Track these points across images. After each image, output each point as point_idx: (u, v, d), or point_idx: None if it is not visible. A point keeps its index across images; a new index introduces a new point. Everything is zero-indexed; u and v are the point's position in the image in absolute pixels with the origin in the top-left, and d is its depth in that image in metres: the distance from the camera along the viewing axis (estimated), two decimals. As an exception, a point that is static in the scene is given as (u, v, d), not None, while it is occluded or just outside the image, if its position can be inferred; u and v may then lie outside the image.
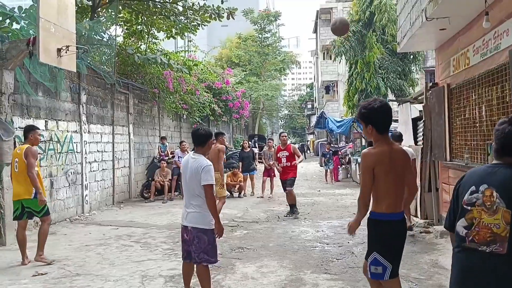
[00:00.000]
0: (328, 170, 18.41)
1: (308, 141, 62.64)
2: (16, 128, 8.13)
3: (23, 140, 6.59)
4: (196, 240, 4.40)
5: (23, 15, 8.31)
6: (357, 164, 16.65)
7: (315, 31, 46.10)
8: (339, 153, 21.06)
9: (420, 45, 9.29)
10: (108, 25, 12.59)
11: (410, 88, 22.71)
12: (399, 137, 8.37)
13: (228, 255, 6.68)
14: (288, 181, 10.12)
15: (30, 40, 7.21)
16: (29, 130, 6.44)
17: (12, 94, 7.93)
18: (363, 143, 19.34)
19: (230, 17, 13.62)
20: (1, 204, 7.49)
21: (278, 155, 10.26)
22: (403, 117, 10.41)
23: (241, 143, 27.98)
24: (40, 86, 9.10)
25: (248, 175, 14.15)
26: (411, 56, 22.26)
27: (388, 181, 3.52)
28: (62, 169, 9.86)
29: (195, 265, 4.56)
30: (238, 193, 13.77)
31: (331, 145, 22.46)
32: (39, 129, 6.72)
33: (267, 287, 5.18)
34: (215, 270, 5.82)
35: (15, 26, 8.30)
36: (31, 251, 6.40)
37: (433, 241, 7.40)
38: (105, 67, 11.93)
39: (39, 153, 9.00)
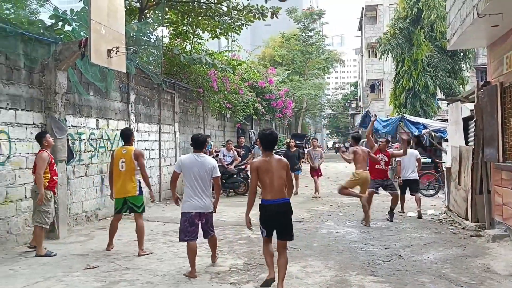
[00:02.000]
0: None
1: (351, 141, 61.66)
2: (68, 126, 8.47)
3: (123, 143, 7.04)
4: (210, 221, 5.85)
5: (75, 17, 8.63)
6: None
7: (360, 28, 45.36)
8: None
9: (471, 42, 8.98)
10: (155, 26, 12.92)
11: (460, 86, 21.99)
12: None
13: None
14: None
15: (82, 42, 7.50)
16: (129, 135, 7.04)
17: (65, 93, 8.27)
18: (411, 143, 18.88)
19: (274, 16, 13.62)
20: (55, 199, 7.82)
21: (378, 156, 9.56)
22: (453, 116, 10.08)
23: (285, 142, 27.97)
24: (91, 86, 9.44)
25: (293, 175, 14.09)
26: (461, 54, 21.54)
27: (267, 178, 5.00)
28: (112, 166, 10.18)
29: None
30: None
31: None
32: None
33: (312, 287, 5.16)
34: (259, 268, 5.86)
35: (67, 28, 8.64)
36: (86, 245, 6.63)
37: (485, 245, 7.13)
38: (152, 67, 12.24)
39: (90, 151, 9.38)
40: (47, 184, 6.65)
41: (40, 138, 6.89)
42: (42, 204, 6.56)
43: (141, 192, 6.87)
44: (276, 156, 5.15)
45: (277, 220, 5.01)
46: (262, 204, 5.03)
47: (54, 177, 6.83)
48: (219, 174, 5.86)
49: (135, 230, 6.83)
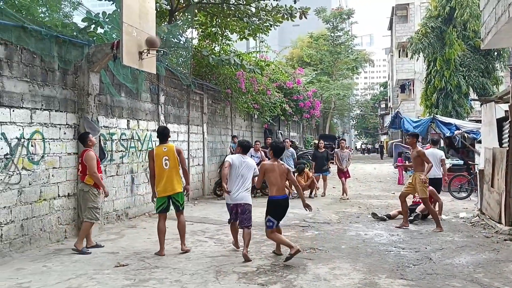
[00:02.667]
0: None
1: (381, 141, 60.96)
2: (101, 126, 8.66)
3: (160, 142, 6.98)
4: (247, 212, 6.65)
5: (107, 20, 8.80)
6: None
7: (390, 28, 44.71)
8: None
9: (506, 41, 8.72)
10: (185, 28, 13.07)
11: (494, 86, 21.44)
12: (435, 142, 10.56)
13: (299, 255, 6.63)
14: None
15: (114, 44, 7.65)
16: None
17: (98, 95, 8.46)
18: (442, 144, 18.50)
19: (303, 16, 13.58)
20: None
21: None
22: (487, 117, 9.82)
23: (312, 143, 27.83)
24: (123, 87, 9.63)
25: (321, 176, 14.01)
26: (495, 53, 21.00)
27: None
28: (142, 166, 10.36)
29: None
30: (309, 193, 13.69)
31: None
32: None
33: (340, 289, 5.12)
34: (286, 269, 5.85)
35: (99, 30, 8.81)
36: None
37: (520, 250, 6.92)
38: (181, 68, 12.39)
39: (121, 151, 9.57)
40: (93, 181, 6.88)
41: (84, 138, 7.17)
42: (92, 201, 6.89)
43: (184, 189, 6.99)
44: (281, 162, 6.53)
45: (283, 211, 6.41)
46: (271, 199, 6.34)
47: (100, 175, 7.06)
48: (257, 173, 6.74)
49: (177, 227, 6.91)
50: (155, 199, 6.88)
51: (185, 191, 7.01)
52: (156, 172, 6.76)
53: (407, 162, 16.47)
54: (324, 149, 14.46)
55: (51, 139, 7.51)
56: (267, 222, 6.34)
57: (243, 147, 6.97)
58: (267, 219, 6.35)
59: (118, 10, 8.34)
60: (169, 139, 7.08)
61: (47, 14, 8.36)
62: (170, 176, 6.73)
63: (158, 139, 7.11)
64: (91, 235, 7.21)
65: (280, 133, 24.46)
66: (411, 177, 9.07)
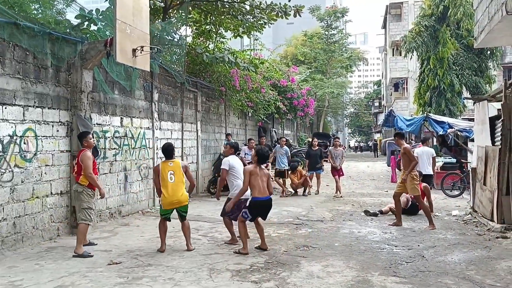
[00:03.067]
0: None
1: (375, 139, 61.19)
2: (94, 124, 8.63)
3: (165, 158, 6.96)
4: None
5: (101, 17, 8.77)
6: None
7: (384, 26, 44.80)
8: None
9: (499, 40, 8.79)
10: (179, 26, 13.02)
11: (487, 85, 21.58)
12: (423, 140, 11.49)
13: (293, 252, 6.69)
14: None
15: (107, 41, 7.61)
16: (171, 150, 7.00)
17: (91, 92, 8.42)
18: (435, 143, 18.60)
19: (297, 14, 13.58)
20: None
21: None
22: (480, 116, 9.88)
23: (305, 141, 27.88)
24: (116, 85, 9.59)
25: (314, 174, 14.04)
26: (488, 52, 21.12)
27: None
28: (136, 163, 10.33)
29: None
30: (303, 191, 13.72)
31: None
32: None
33: (333, 286, 5.13)
34: (280, 267, 5.86)
35: (93, 27, 8.78)
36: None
37: (510, 246, 6.98)
38: (175, 66, 12.35)
39: (114, 148, 9.53)
40: (88, 182, 6.64)
41: (81, 138, 6.98)
42: (86, 202, 6.64)
43: None
44: (262, 167, 6.87)
45: (265, 211, 6.83)
46: (254, 200, 6.67)
47: (96, 176, 6.84)
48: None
49: (181, 229, 7.01)
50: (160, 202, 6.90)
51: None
52: (162, 185, 6.71)
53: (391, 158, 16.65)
54: (317, 147, 14.48)
55: (43, 136, 7.47)
56: (243, 213, 6.75)
57: (235, 148, 7.73)
58: (244, 211, 6.75)
59: (112, 7, 8.30)
60: (174, 155, 7.07)
61: (40, 11, 8.31)
62: (175, 189, 6.71)
63: (163, 156, 7.02)
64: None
65: (274, 131, 24.47)
66: (401, 175, 9.07)
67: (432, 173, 11.69)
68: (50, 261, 6.23)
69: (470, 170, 10.85)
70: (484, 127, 9.51)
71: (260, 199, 6.66)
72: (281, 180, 13.62)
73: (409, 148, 9.06)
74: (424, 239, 7.58)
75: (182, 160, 12.88)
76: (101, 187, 6.83)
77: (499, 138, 8.63)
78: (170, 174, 6.71)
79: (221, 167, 7.29)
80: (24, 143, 7.05)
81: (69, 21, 8.44)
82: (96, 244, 7.12)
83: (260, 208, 6.75)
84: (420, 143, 14.35)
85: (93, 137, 8.29)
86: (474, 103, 10.80)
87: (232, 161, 7.30)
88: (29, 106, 7.19)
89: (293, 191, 13.72)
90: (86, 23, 8.64)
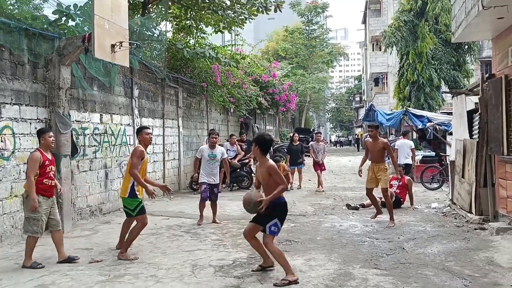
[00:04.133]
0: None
1: (356, 134, 61.72)
2: (73, 121, 8.51)
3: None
4: (216, 189, 8.65)
5: (79, 12, 8.62)
6: (407, 158, 16.19)
7: (364, 21, 45.09)
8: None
9: (476, 34, 8.91)
10: (159, 21, 12.91)
11: (465, 79, 21.92)
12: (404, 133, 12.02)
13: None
14: None
15: (85, 37, 7.49)
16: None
17: (69, 88, 8.28)
18: (414, 137, 18.84)
19: (277, 9, 13.58)
20: (60, 194, 7.86)
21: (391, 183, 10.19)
22: (458, 109, 10.05)
23: (288, 136, 27.91)
24: (95, 81, 9.46)
25: (296, 169, 14.10)
26: (466, 46, 21.43)
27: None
28: (116, 160, 10.23)
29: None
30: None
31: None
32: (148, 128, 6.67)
33: (315, 280, 5.17)
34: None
35: (71, 23, 8.63)
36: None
37: (488, 238, 7.12)
38: (155, 62, 12.24)
39: (94, 145, 9.40)
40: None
41: (38, 135, 6.15)
42: (28, 210, 5.76)
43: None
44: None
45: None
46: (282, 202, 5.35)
47: (45, 181, 5.87)
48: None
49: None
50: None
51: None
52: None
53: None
54: (298, 142, 14.54)
55: (21, 134, 7.34)
56: (272, 227, 5.24)
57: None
58: (274, 223, 5.24)
59: (90, 2, 8.16)
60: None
61: (16, 6, 8.13)
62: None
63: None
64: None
65: (257, 126, 24.48)
66: (370, 169, 8.89)
67: (411, 163, 13.02)
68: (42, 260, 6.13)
69: (448, 163, 11.04)
70: (462, 121, 9.67)
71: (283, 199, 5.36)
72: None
73: (387, 142, 9.03)
74: (404, 231, 7.69)
75: (164, 157, 12.82)
76: (34, 197, 5.67)
77: (476, 131, 8.79)
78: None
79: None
80: (2, 141, 6.91)
81: (47, 17, 8.28)
82: (79, 258, 6.14)
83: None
84: (401, 136, 14.72)
85: (72, 134, 8.23)
86: (452, 97, 10.98)
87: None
88: (6, 103, 7.05)
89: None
90: (63, 18, 8.48)
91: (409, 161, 12.88)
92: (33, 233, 5.80)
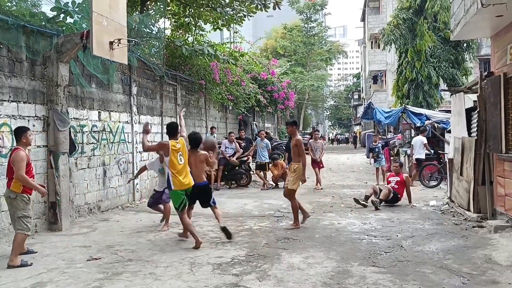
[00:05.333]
0: (380, 167, 14.69)
1: (354, 132, 61.76)
2: (71, 118, 8.49)
3: (169, 136, 6.82)
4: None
5: (77, 9, 8.58)
6: (406, 156, 16.22)
7: (363, 19, 45.12)
8: (388, 144, 20.39)
9: (475, 32, 8.91)
10: (157, 18, 12.85)
11: (464, 77, 21.93)
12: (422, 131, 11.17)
13: (274, 245, 6.72)
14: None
15: (83, 34, 7.48)
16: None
17: (67, 86, 8.27)
18: (412, 134, 18.83)
19: (276, 7, 13.56)
20: (58, 191, 7.86)
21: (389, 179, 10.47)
22: (456, 107, 10.04)
23: (286, 134, 27.91)
24: (94, 78, 9.44)
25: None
26: (465, 44, 21.44)
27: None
28: (115, 158, 10.22)
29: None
30: (283, 184, 13.75)
31: (380, 136, 21.33)
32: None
33: (314, 278, 5.17)
34: (261, 260, 5.89)
35: (69, 20, 8.60)
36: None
37: (487, 236, 7.13)
38: (154, 59, 12.21)
39: (92, 143, 9.40)
40: (22, 186, 5.81)
41: (19, 133, 5.99)
42: (21, 209, 5.81)
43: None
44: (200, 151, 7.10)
45: (201, 196, 7.14)
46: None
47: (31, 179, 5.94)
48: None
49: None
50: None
51: None
52: (170, 167, 6.61)
53: (371, 153, 16.73)
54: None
55: (19, 131, 7.31)
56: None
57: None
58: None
59: (88, -1, 8.14)
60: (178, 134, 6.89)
61: (14, 3, 8.10)
62: (186, 171, 6.76)
63: (167, 134, 6.90)
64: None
65: (255, 124, 24.46)
66: (290, 168, 8.41)
67: (423, 157, 13.68)
68: (28, 257, 6.11)
69: (447, 161, 11.04)
70: (461, 119, 9.67)
71: (197, 185, 6.87)
72: (262, 173, 13.65)
73: (301, 141, 8.07)
74: (402, 229, 7.70)
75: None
76: (38, 186, 5.97)
77: (475, 129, 8.79)
78: (179, 156, 6.67)
79: None
80: (0, 138, 6.90)
81: (45, 14, 8.25)
82: (36, 252, 6.31)
83: (197, 193, 6.94)
84: (399, 134, 14.95)
85: (70, 132, 8.21)
86: (451, 95, 10.97)
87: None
88: (4, 100, 7.03)
89: (274, 184, 13.76)
90: (62, 15, 8.46)
91: (422, 155, 13.64)
92: (26, 230, 5.84)
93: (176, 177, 6.60)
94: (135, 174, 9.65)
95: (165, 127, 10.56)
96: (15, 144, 7.10)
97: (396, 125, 20.32)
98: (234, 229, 7.75)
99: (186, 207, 6.82)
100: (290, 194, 8.03)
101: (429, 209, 9.72)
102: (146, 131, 6.97)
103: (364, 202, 9.94)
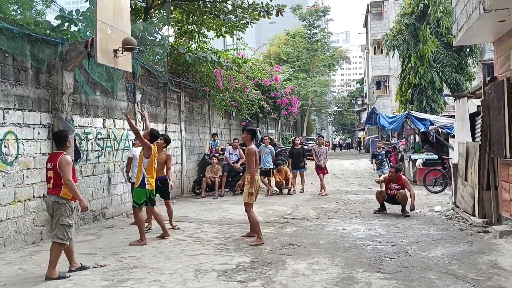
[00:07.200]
0: (383, 175, 14.09)
1: (358, 137, 61.68)
2: (76, 126, 8.53)
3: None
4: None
5: (81, 17, 8.66)
6: (410, 161, 16.19)
7: (366, 25, 45.20)
8: (395, 149, 20.31)
9: (478, 37, 8.92)
10: (161, 26, 12.94)
11: (467, 82, 21.91)
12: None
13: (278, 251, 6.71)
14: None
15: (88, 42, 7.53)
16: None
17: (72, 94, 8.31)
18: (417, 140, 18.82)
19: (279, 14, 13.61)
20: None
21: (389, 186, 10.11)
22: (460, 112, 10.03)
23: (290, 140, 27.93)
24: (98, 86, 9.49)
25: (298, 172, 14.09)
26: (468, 49, 21.45)
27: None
28: (119, 165, 10.25)
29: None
30: (287, 190, 13.76)
31: (384, 142, 21.15)
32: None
33: (319, 284, 5.16)
34: (266, 266, 5.88)
35: (73, 28, 8.68)
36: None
37: (492, 241, 7.10)
38: (158, 66, 12.28)
39: (97, 150, 9.42)
40: (71, 195, 5.65)
41: (63, 137, 5.87)
42: (67, 217, 5.61)
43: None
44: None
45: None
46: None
47: (76, 184, 5.77)
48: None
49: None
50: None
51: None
52: (148, 169, 7.51)
53: (374, 160, 16.60)
54: (300, 146, 14.53)
55: (24, 139, 7.37)
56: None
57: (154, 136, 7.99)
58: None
59: (92, 7, 8.21)
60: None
61: (19, 12, 8.17)
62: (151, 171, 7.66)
63: (150, 140, 7.60)
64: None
65: (259, 130, 24.47)
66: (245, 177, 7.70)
67: None
68: (34, 265, 6.15)
69: (451, 166, 11.02)
70: (465, 124, 9.66)
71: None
72: (266, 179, 13.65)
73: (253, 150, 7.36)
74: (407, 235, 7.68)
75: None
76: (81, 197, 5.71)
77: (479, 134, 8.78)
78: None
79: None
80: (5, 146, 6.94)
81: (49, 22, 8.32)
82: (89, 267, 5.97)
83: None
84: (403, 140, 14.63)
85: (75, 139, 8.25)
86: (454, 100, 10.97)
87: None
88: (9, 108, 7.08)
89: (278, 190, 13.75)
90: (66, 24, 8.53)
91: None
92: (65, 240, 5.61)
93: (150, 179, 7.49)
94: (126, 171, 9.71)
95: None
96: (20, 152, 7.18)
97: (400, 130, 20.27)
98: (239, 236, 7.75)
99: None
100: (246, 207, 7.45)
101: (434, 215, 9.69)
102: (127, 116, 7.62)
103: (376, 209, 10.01)
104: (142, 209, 7.68)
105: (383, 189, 10.17)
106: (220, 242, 7.34)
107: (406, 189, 9.78)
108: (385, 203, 10.04)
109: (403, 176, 10.24)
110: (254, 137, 7.90)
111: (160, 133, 8.40)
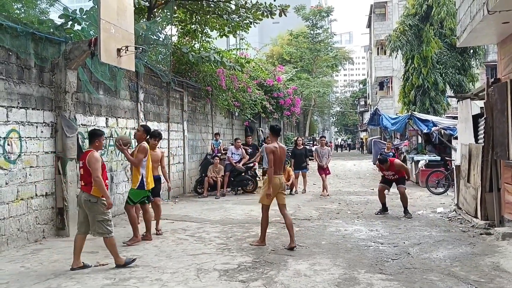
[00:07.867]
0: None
1: (361, 138, 61.64)
2: (78, 125, 8.55)
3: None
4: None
5: (85, 16, 8.66)
6: (413, 163, 16.16)
7: (369, 25, 45.13)
8: (398, 150, 20.26)
9: (481, 39, 8.90)
10: (164, 25, 12.96)
11: (470, 83, 21.86)
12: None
13: (280, 251, 6.72)
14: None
15: (91, 41, 7.54)
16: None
17: (75, 92, 8.32)
18: (419, 141, 18.80)
19: (282, 14, 13.61)
20: (66, 197, 7.91)
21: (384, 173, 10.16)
22: (463, 114, 10.01)
23: (293, 140, 27.97)
24: (101, 85, 9.51)
25: (300, 173, 14.08)
26: (471, 51, 21.39)
27: None
28: (121, 164, 10.26)
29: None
30: (289, 190, 13.75)
31: (392, 143, 20.77)
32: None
33: (320, 285, 5.16)
34: (267, 266, 5.88)
35: (77, 27, 8.68)
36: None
37: (494, 243, 7.09)
38: (161, 66, 12.29)
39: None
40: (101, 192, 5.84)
41: (94, 136, 6.06)
42: (102, 213, 5.84)
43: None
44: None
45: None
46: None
47: (106, 181, 5.95)
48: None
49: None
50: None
51: None
52: (146, 169, 7.57)
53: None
54: (302, 146, 14.53)
55: (28, 137, 7.38)
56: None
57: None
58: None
59: (96, 6, 8.22)
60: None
61: (23, 10, 8.20)
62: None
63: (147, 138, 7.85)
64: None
65: (261, 130, 24.48)
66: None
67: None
68: (36, 263, 6.17)
69: (454, 167, 11.00)
70: (468, 125, 9.64)
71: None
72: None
73: (270, 148, 7.18)
74: (409, 236, 7.67)
75: (169, 160, 12.85)
76: (108, 195, 5.92)
77: (482, 136, 8.76)
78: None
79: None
80: (8, 144, 6.96)
81: (53, 21, 8.33)
82: (91, 266, 6.05)
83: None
84: (406, 141, 14.60)
85: (78, 138, 8.28)
86: (457, 102, 10.95)
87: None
88: (13, 107, 7.10)
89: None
90: (70, 22, 8.53)
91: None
92: (108, 233, 5.90)
93: (148, 179, 7.51)
94: (128, 170, 9.87)
95: (162, 133, 10.83)
96: (23, 150, 7.21)
97: (402, 131, 20.25)
98: (240, 236, 7.76)
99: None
100: (261, 208, 7.24)
101: (436, 216, 9.67)
102: (120, 146, 7.40)
103: (379, 210, 10.01)
104: (134, 207, 7.63)
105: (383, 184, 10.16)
106: (222, 242, 7.35)
107: (401, 173, 10.00)
108: (386, 204, 10.02)
109: (395, 161, 10.16)
110: (277, 136, 7.48)
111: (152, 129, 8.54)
